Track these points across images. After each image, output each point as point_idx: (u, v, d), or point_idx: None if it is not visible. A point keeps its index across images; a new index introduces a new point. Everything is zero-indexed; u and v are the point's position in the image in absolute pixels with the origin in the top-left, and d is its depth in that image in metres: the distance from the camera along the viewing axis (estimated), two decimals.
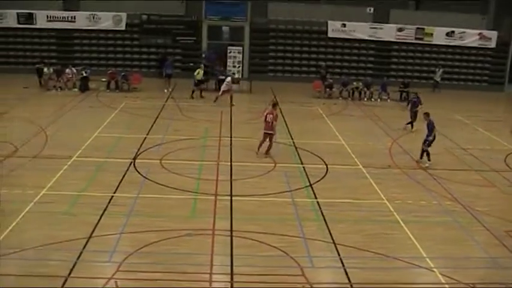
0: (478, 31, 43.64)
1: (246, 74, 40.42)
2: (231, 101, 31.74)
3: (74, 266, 12.59)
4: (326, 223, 15.80)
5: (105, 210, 15.96)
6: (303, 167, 20.91)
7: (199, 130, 25.85)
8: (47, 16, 40.52)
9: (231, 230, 15.01)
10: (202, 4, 41.48)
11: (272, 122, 21.91)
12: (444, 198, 18.48)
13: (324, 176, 20.04)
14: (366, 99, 36.34)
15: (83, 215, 15.58)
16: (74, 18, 40.77)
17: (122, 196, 17.15)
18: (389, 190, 18.84)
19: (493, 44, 43.73)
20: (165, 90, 35.30)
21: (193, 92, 33.74)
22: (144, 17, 41.55)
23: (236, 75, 37.26)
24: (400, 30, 43.04)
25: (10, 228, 14.39)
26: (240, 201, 17.11)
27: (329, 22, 42.54)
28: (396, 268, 13.52)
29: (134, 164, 20.25)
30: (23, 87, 33.90)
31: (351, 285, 12.49)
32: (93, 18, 40.89)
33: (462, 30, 43.38)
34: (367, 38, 43.06)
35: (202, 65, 35.46)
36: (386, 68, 43.09)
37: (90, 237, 14.17)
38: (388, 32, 43.03)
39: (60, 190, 17.36)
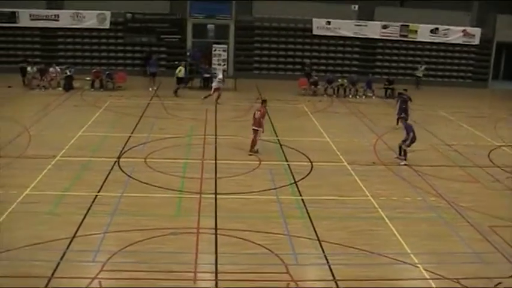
0: (462, 28, 43.89)
1: (231, 72, 40.33)
2: (217, 99, 31.72)
3: (57, 266, 12.51)
4: (311, 220, 15.82)
5: (89, 209, 15.88)
6: (288, 165, 20.92)
7: (184, 128, 25.79)
8: (30, 15, 40.14)
9: (216, 228, 14.99)
10: (186, 2, 41.35)
11: (259, 119, 21.92)
12: (429, 194, 18.56)
13: (309, 173, 20.06)
14: (350, 96, 36.41)
15: (66, 215, 15.50)
16: (58, 17, 40.47)
17: (106, 195, 17.08)
18: (374, 187, 18.89)
19: (476, 41, 44.04)
20: (150, 89, 35.17)
21: (177, 89, 33.74)
22: (129, 15, 41.35)
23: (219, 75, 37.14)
24: (384, 27, 43.18)
25: None
26: (225, 199, 17.10)
27: (314, 20, 42.54)
28: (381, 264, 13.57)
29: (119, 163, 20.17)
30: (6, 87, 33.62)
31: (336, 282, 12.51)
32: (77, 16, 40.63)
33: (446, 27, 43.59)
34: (352, 35, 43.16)
35: (183, 63, 35.41)
36: (371, 65, 43.24)
37: (74, 236, 14.09)
38: (372, 29, 43.15)
39: (43, 190, 17.25)
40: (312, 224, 15.58)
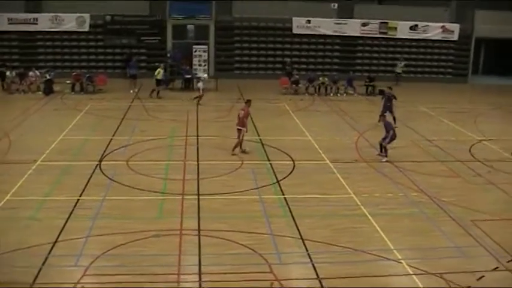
0: (441, 24, 44.21)
1: (212, 72, 40.26)
2: (194, 99, 31.82)
3: (39, 272, 12.40)
4: (294, 219, 15.83)
5: (71, 214, 15.79)
6: (270, 164, 20.93)
7: (165, 130, 25.71)
8: (8, 19, 39.83)
9: (199, 230, 14.96)
10: (166, 3, 41.25)
11: (243, 118, 21.97)
12: (410, 190, 18.65)
13: (291, 172, 20.09)
14: (332, 94, 36.49)
15: (48, 220, 15.40)
16: (36, 20, 40.23)
17: (88, 199, 16.98)
18: (356, 184, 18.96)
19: (455, 37, 44.38)
20: (131, 91, 35.01)
21: (152, 91, 33.61)
22: (108, 17, 41.15)
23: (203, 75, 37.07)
24: (364, 25, 43.36)
25: None
26: (208, 200, 17.07)
27: (294, 19, 42.63)
28: (364, 261, 13.59)
29: (100, 166, 20.06)
30: None
31: (319, 280, 12.52)
32: (56, 19, 40.40)
33: (425, 23, 43.92)
34: (332, 33, 43.29)
35: (162, 65, 35.27)
36: (351, 63, 43.35)
37: (56, 241, 13.99)
38: (352, 27, 43.32)
39: (24, 195, 17.10)
40: (295, 222, 15.59)
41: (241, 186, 18.44)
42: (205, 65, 38.57)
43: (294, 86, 36.57)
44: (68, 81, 34.90)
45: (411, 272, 13.05)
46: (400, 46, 44.33)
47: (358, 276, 12.80)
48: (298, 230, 15.11)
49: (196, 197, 17.35)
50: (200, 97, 31.64)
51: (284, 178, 19.34)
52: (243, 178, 19.35)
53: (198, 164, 20.65)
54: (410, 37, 44.16)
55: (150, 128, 25.95)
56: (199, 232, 14.82)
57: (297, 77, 37.11)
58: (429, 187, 18.85)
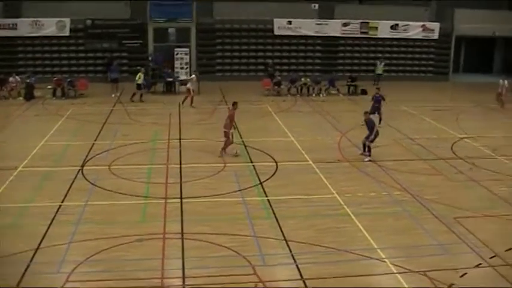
0: (421, 23, 44.51)
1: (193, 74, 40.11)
2: (183, 101, 31.94)
3: (21, 279, 12.30)
4: (277, 220, 15.83)
5: (53, 220, 15.66)
6: (253, 166, 20.92)
7: (148, 133, 25.64)
8: None
9: (182, 233, 14.92)
10: (147, 6, 41.10)
11: (228, 120, 22.03)
12: (393, 188, 18.72)
13: (274, 173, 20.09)
14: (314, 95, 36.56)
15: (30, 226, 15.28)
16: (16, 26, 39.86)
17: (70, 205, 16.86)
18: (339, 184, 18.98)
19: (436, 36, 44.71)
20: (113, 95, 34.86)
21: (133, 94, 33.48)
22: (89, 21, 40.90)
23: (185, 77, 37.00)
24: (345, 25, 43.51)
25: None
26: (190, 203, 17.02)
27: (275, 20, 42.68)
28: (348, 261, 13.61)
29: (82, 172, 19.94)
30: None
31: (304, 281, 12.53)
32: (36, 24, 40.11)
33: (406, 22, 44.18)
34: (313, 34, 43.40)
35: (142, 69, 35.12)
36: (333, 63, 43.57)
37: (38, 248, 13.86)
38: (333, 28, 43.45)
39: (6, 202, 16.92)
40: (279, 224, 15.59)
41: (224, 188, 18.42)
42: (187, 68, 38.49)
43: (276, 87, 36.57)
44: (49, 86, 34.70)
45: (395, 271, 13.08)
46: (381, 46, 44.54)
47: (342, 276, 12.81)
48: (282, 231, 15.10)
49: (179, 200, 17.29)
50: (190, 98, 31.71)
51: (267, 180, 19.34)
52: (226, 180, 19.31)
53: (180, 167, 20.59)
54: (391, 36, 44.43)
55: (132, 132, 25.86)
56: (182, 235, 14.77)
57: (279, 78, 37.11)
58: (412, 185, 18.92)
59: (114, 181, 19.00)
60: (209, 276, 12.65)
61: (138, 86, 33.67)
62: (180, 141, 24.17)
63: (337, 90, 36.75)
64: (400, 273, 12.96)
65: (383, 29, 44.03)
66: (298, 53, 43.85)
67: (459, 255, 14.09)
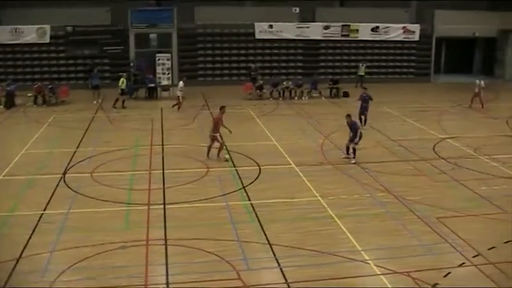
0: (402, 25, 44.82)
1: (175, 80, 40.06)
2: (173, 106, 32.10)
3: None
4: (261, 224, 15.79)
5: (35, 228, 15.50)
6: (236, 170, 20.88)
7: (130, 140, 25.51)
8: None
9: (165, 239, 14.84)
10: (127, 12, 40.98)
11: (214, 124, 22.25)
12: (377, 190, 18.76)
13: (257, 177, 20.05)
14: (296, 98, 36.62)
15: (12, 236, 15.10)
16: None
17: (52, 213, 16.71)
18: (323, 186, 18.98)
19: (416, 37, 45.10)
20: (94, 102, 34.69)
21: (116, 100, 33.32)
22: (69, 28, 40.77)
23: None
24: (326, 28, 43.73)
25: None
26: (174, 209, 16.94)
27: (256, 24, 42.81)
28: (332, 263, 13.60)
29: (64, 179, 19.79)
30: None
31: (288, 284, 12.51)
32: (16, 32, 39.94)
33: (387, 25, 44.50)
34: (294, 37, 43.62)
35: (124, 74, 34.99)
36: (315, 66, 43.71)
37: (19, 257, 13.73)
38: (314, 31, 43.65)
39: None
40: (262, 228, 15.55)
41: (207, 193, 18.34)
42: (168, 73, 38.42)
43: (258, 91, 36.57)
44: (30, 94, 34.41)
45: (379, 272, 13.10)
46: (362, 48, 44.82)
47: (326, 278, 12.79)
48: (266, 235, 15.08)
49: (162, 206, 17.20)
50: (179, 105, 31.71)
51: (250, 184, 19.30)
52: (209, 185, 19.25)
53: (163, 173, 20.51)
54: (372, 39, 44.71)
55: (115, 139, 25.72)
56: (166, 242, 14.70)
57: (261, 82, 37.17)
58: (395, 187, 18.98)
59: (97, 188, 18.87)
60: (193, 281, 12.57)
61: (122, 91, 33.51)
62: (162, 147, 24.10)
63: (319, 93, 36.88)
64: (383, 274, 12.98)
65: (364, 32, 44.29)
66: (280, 56, 44.00)
67: (442, 255, 14.12)
